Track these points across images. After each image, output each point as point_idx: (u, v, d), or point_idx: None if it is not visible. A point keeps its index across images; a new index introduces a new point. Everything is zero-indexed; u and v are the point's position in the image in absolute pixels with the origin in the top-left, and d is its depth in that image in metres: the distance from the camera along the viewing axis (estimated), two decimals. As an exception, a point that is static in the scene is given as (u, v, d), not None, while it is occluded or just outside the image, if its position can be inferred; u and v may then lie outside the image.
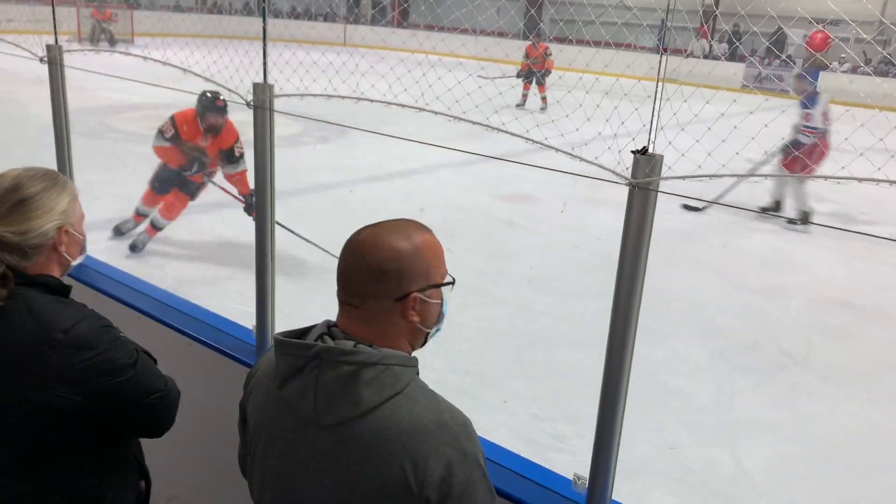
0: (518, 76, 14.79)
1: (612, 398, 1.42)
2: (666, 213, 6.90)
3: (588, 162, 1.44)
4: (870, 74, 18.83)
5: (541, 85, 14.73)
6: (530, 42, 15.15)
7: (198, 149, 5.47)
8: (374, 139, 9.66)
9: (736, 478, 3.34)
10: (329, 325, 1.21)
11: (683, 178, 1.29)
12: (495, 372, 4.17)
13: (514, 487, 1.58)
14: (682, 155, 1.35)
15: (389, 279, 1.16)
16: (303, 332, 1.20)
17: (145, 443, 1.72)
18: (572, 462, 1.65)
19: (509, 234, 6.78)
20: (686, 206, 7.56)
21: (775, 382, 4.26)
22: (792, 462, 3.50)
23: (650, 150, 1.31)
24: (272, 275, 1.99)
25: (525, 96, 14.75)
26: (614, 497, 1.56)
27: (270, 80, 1.87)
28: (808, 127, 7.25)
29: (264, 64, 1.78)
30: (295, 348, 1.16)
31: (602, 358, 1.45)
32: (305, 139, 10.47)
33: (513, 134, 1.48)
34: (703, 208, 7.57)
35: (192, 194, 5.69)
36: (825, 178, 1.25)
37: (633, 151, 1.30)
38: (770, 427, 3.78)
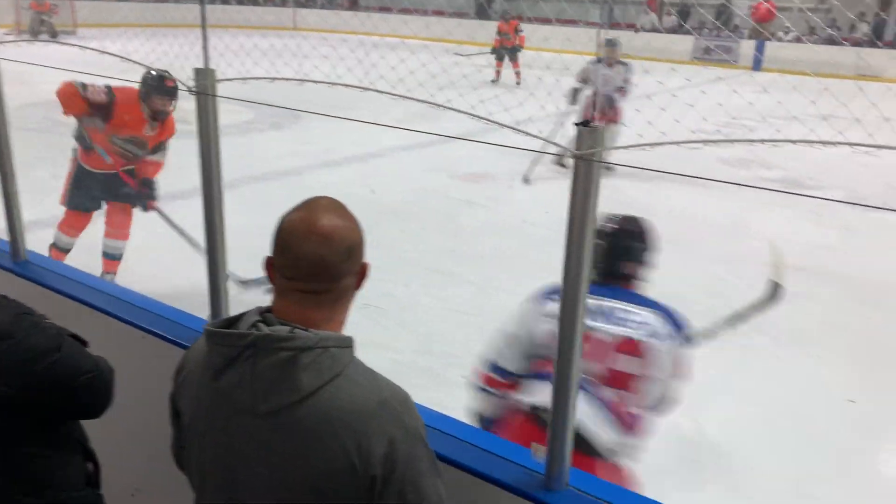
0: (492, 53, 15.14)
1: (566, 367, 1.44)
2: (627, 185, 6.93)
3: (534, 136, 1.46)
4: (802, 41, 19.23)
5: (514, 60, 15.08)
6: (502, 19, 15.50)
7: (136, 140, 4.53)
8: (329, 125, 9.57)
9: (698, 442, 3.43)
10: (262, 312, 1.20)
11: (626, 147, 1.31)
12: (459, 350, 4.19)
13: (475, 461, 1.60)
14: (625, 125, 1.37)
15: (355, 255, 1.22)
16: (233, 321, 1.19)
17: (108, 435, 1.71)
18: (535, 434, 1.68)
19: (468, 213, 6.80)
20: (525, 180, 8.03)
21: (732, 347, 4.36)
22: (751, 423, 3.61)
23: (592, 123, 1.33)
24: (223, 263, 1.97)
25: (499, 72, 15.14)
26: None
27: (213, 66, 1.85)
28: (623, 88, 8.16)
29: (204, 48, 1.76)
30: (228, 338, 1.15)
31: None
32: (258, 126, 10.33)
33: (458, 111, 1.49)
34: (529, 180, 7.94)
35: (133, 200, 4.75)
36: (762, 141, 1.29)
37: (575, 123, 1.31)
38: (728, 391, 3.88)
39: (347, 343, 1.19)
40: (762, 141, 1.24)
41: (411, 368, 3.89)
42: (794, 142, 1.18)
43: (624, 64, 8.27)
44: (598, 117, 8.67)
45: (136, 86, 4.44)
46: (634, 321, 2.18)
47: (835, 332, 4.61)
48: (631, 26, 21.86)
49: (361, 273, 1.25)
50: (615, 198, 7.19)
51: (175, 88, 4.40)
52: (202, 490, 1.25)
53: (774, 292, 2.83)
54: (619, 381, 2.13)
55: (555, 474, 1.52)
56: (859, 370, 4.10)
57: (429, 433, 1.70)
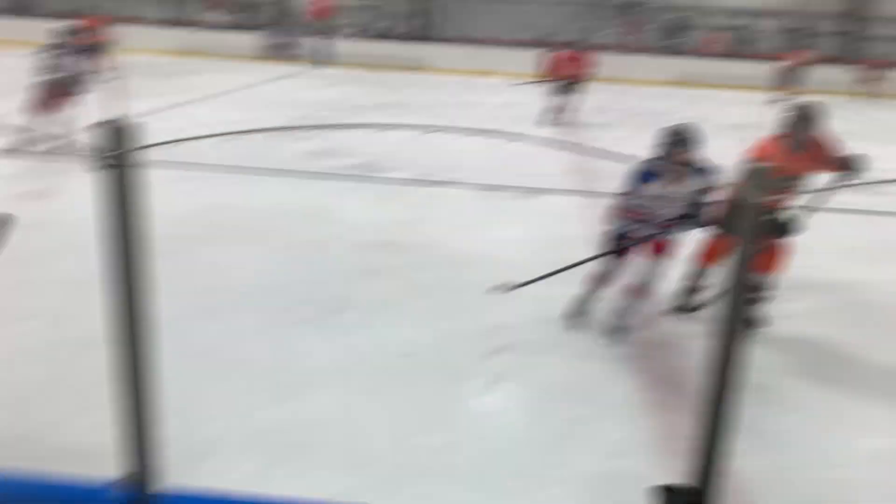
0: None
1: (131, 384, 1.34)
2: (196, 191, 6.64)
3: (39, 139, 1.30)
4: (360, 38, 21.07)
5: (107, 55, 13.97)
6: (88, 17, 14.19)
7: None
8: None
9: (307, 425, 3.51)
10: None
11: (158, 145, 1.24)
12: (39, 394, 3.67)
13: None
14: (160, 123, 1.30)
15: None
16: None
17: None
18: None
19: (29, 238, 5.94)
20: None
21: (333, 323, 4.59)
22: (348, 395, 3.80)
23: (123, 122, 1.23)
24: None
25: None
26: (192, 482, 1.50)
27: None
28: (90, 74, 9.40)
29: None
30: None
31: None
32: None
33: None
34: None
35: None
36: (300, 128, 1.33)
37: (96, 124, 1.20)
38: (336, 362, 4.07)
39: None
40: (300, 128, 1.29)
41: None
42: (331, 127, 1.24)
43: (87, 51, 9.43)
44: (50, 102, 8.97)
45: None
46: None
47: (417, 294, 5.14)
48: (194, 23, 21.42)
49: None
50: (200, 199, 6.93)
51: None
52: None
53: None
54: None
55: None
56: (440, 326, 4.65)
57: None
